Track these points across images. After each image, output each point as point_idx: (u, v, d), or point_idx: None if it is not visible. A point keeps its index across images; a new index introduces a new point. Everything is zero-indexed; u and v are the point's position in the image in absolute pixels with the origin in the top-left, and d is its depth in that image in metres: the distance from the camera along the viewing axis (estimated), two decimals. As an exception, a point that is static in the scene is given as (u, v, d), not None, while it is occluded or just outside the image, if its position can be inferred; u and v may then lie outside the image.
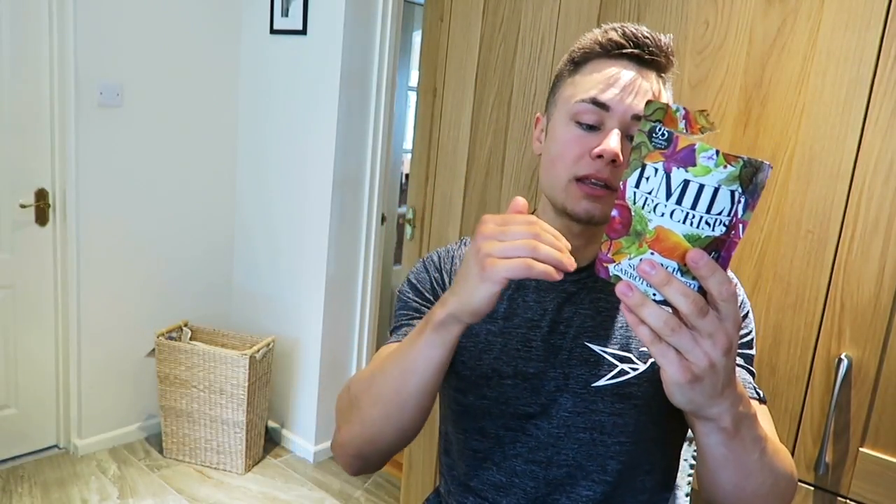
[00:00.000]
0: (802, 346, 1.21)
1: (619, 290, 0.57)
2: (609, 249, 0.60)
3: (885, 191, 1.12)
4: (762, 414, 0.83)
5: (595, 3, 1.43)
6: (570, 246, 0.64)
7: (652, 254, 0.56)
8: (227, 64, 2.73)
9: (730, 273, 0.92)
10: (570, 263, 0.62)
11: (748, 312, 0.91)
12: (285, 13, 2.56)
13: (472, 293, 0.65)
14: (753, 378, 0.88)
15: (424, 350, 0.71)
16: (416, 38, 3.40)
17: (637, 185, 0.57)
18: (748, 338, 0.89)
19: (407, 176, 3.39)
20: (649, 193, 0.56)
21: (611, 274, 0.60)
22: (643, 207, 0.57)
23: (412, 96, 3.51)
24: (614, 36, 0.81)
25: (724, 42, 1.26)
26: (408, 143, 3.51)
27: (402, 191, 3.58)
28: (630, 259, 0.58)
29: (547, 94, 0.93)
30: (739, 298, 0.89)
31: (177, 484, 2.44)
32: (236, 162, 2.84)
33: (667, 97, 0.84)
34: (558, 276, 0.62)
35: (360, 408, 0.79)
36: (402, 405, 0.75)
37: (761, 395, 0.87)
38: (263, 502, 2.39)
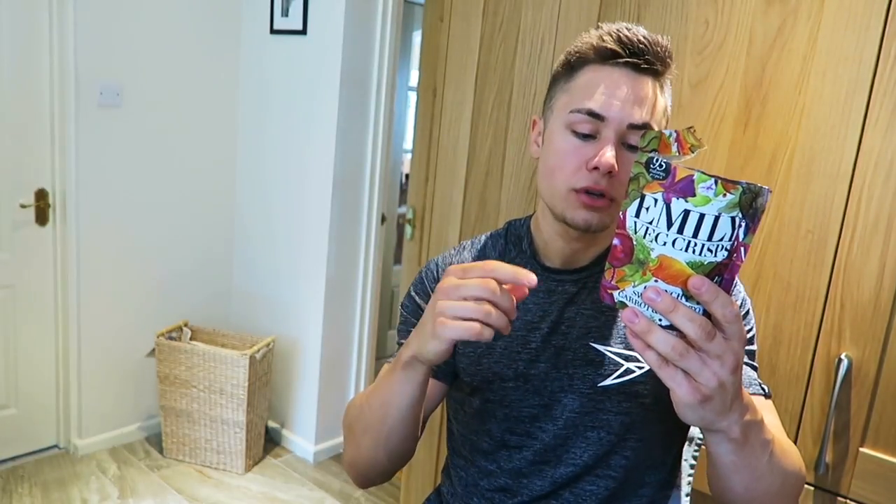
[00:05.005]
0: (802, 346, 1.21)
1: (626, 316, 0.58)
2: (613, 277, 0.61)
3: (885, 191, 1.12)
4: (768, 409, 0.84)
5: (595, 3, 1.43)
6: (533, 282, 0.66)
7: (656, 281, 0.57)
8: (227, 64, 2.73)
9: None
10: (509, 322, 0.66)
11: (749, 310, 0.91)
12: (285, 13, 2.55)
13: (425, 345, 0.70)
14: (757, 373, 0.89)
15: (396, 387, 0.77)
16: (416, 38, 3.40)
17: (637, 215, 0.58)
18: (750, 334, 0.90)
19: (407, 176, 3.39)
20: (650, 223, 0.57)
21: (616, 300, 0.61)
22: (644, 237, 0.57)
23: (412, 96, 3.50)
24: (609, 43, 0.81)
25: (724, 42, 1.26)
26: (408, 143, 3.50)
27: (402, 191, 3.58)
28: (634, 287, 0.59)
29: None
30: (740, 297, 0.90)
31: (177, 484, 2.44)
32: (236, 161, 2.84)
33: (664, 101, 0.84)
34: (506, 333, 0.66)
35: (354, 434, 0.86)
36: (387, 434, 0.81)
37: (767, 391, 0.87)
38: (263, 502, 2.39)
